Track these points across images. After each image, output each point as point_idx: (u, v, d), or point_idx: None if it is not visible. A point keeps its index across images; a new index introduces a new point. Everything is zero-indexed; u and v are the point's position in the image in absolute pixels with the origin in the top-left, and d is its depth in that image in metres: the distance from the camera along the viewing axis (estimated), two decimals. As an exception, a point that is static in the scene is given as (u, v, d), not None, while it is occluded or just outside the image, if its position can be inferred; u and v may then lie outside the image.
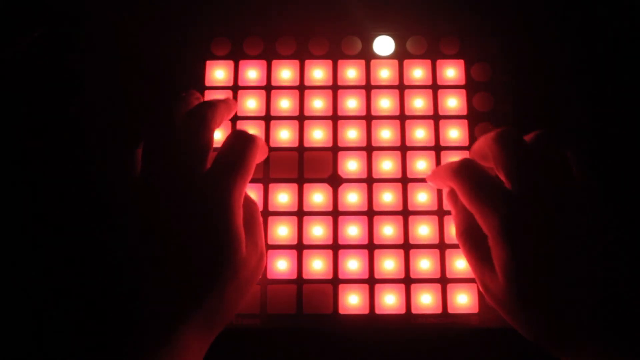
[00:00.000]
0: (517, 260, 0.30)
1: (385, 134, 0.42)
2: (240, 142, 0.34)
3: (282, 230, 0.40)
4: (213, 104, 0.36)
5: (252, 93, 0.43)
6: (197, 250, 0.30)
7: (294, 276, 0.39)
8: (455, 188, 0.35)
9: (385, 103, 0.42)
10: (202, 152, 0.33)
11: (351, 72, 0.43)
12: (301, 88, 0.43)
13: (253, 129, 0.42)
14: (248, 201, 0.36)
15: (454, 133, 0.42)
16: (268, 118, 0.42)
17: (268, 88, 0.43)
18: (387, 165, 0.41)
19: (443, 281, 0.39)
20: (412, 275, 0.39)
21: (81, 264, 0.37)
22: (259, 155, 0.37)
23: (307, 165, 0.41)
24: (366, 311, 0.38)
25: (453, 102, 0.42)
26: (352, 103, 0.42)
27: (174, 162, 0.32)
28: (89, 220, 0.38)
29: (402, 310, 0.39)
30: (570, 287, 0.29)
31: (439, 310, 0.39)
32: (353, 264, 0.39)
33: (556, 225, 0.30)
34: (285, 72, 0.43)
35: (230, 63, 0.43)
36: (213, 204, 0.31)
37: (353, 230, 0.40)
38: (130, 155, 0.33)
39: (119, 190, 0.33)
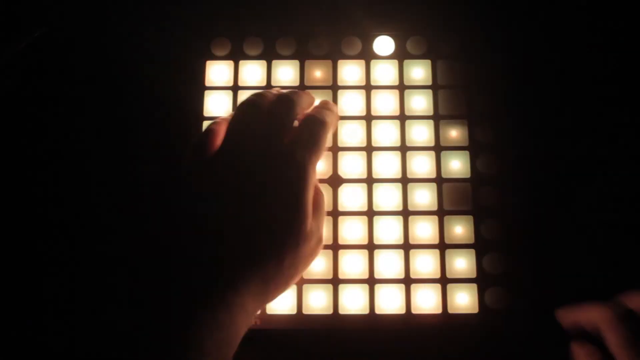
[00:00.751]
0: None
1: (385, 134, 0.42)
2: (315, 123, 0.36)
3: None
4: (298, 92, 0.39)
5: (252, 93, 0.43)
6: (268, 215, 0.32)
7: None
8: (608, 336, 0.32)
9: (385, 103, 0.42)
10: (285, 129, 0.35)
11: (351, 73, 0.43)
12: (301, 88, 0.43)
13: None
14: (317, 189, 0.37)
15: (454, 133, 0.42)
16: (268, 118, 0.42)
17: (268, 88, 0.43)
18: (387, 165, 0.41)
19: (443, 281, 0.39)
20: (412, 275, 0.39)
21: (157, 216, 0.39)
22: (334, 127, 0.40)
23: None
24: (366, 311, 0.38)
25: (453, 103, 0.42)
26: (352, 103, 0.42)
27: (259, 132, 0.34)
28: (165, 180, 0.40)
29: (402, 310, 0.39)
30: None
31: (439, 310, 0.39)
32: (353, 264, 0.39)
33: None
34: (285, 73, 0.43)
35: (230, 63, 0.43)
36: (291, 172, 0.33)
37: (353, 231, 0.40)
38: (215, 127, 0.36)
39: (198, 156, 0.35)
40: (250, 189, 0.33)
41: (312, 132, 0.36)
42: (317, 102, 0.41)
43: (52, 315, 0.38)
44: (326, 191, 0.40)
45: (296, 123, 0.37)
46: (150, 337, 0.28)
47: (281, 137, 0.35)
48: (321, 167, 0.41)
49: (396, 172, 0.41)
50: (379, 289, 0.39)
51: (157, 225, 0.38)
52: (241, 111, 0.36)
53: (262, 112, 0.35)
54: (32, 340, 0.37)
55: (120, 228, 0.40)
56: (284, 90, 0.39)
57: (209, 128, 0.36)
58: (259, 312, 0.33)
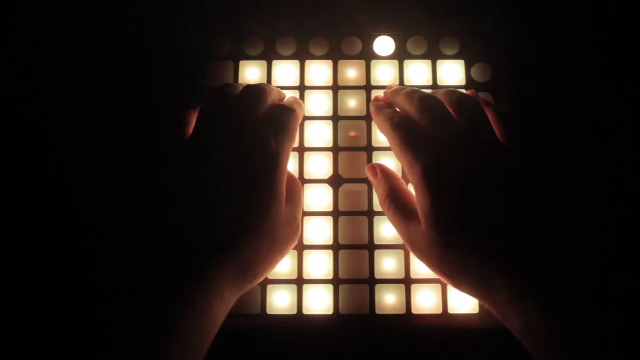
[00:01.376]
0: (435, 203, 0.32)
1: (386, 134, 0.42)
2: (286, 111, 0.37)
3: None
4: (268, 84, 0.39)
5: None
6: (241, 203, 0.32)
7: (294, 277, 0.39)
8: (388, 138, 0.37)
9: (385, 103, 0.42)
10: (255, 116, 0.35)
11: (351, 72, 0.43)
12: (301, 88, 0.43)
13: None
14: (291, 176, 0.38)
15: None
16: (268, 118, 0.42)
17: (268, 88, 0.43)
18: (387, 165, 0.41)
19: (443, 281, 0.39)
20: (412, 275, 0.39)
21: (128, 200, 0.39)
22: (300, 118, 0.40)
23: (308, 166, 0.41)
24: (366, 311, 0.38)
25: (453, 103, 0.42)
26: (352, 103, 0.42)
27: (229, 120, 0.34)
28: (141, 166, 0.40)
29: (402, 310, 0.39)
30: (483, 225, 0.31)
31: (439, 310, 0.39)
32: (353, 264, 0.39)
33: (472, 170, 0.33)
34: (286, 73, 0.43)
35: (230, 63, 0.43)
36: (263, 159, 0.33)
37: (353, 231, 0.40)
38: (184, 116, 0.36)
39: (173, 142, 0.35)
40: (222, 177, 0.32)
41: (283, 119, 0.36)
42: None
43: (32, 309, 0.38)
44: (327, 191, 0.41)
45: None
46: (130, 326, 0.28)
47: (252, 124, 0.35)
48: (322, 166, 0.41)
49: (396, 172, 0.41)
50: (379, 289, 0.39)
51: (132, 216, 0.38)
52: (211, 100, 0.36)
53: (232, 101, 0.36)
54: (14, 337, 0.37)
55: (105, 222, 0.39)
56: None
57: (178, 117, 0.36)
58: (236, 299, 0.33)
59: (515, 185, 0.33)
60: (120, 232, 0.38)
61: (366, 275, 0.39)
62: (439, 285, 0.39)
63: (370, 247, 0.40)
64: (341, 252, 0.39)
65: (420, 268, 0.39)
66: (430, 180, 0.33)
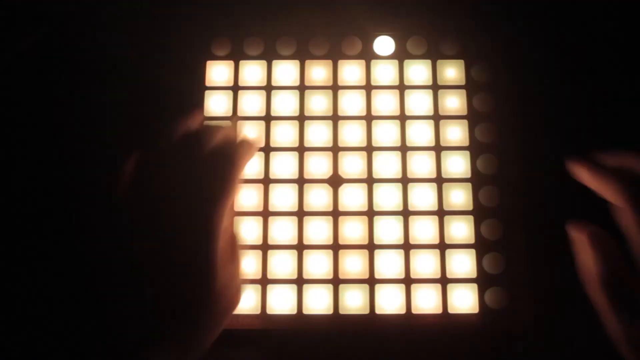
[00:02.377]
0: None
1: (386, 134, 0.42)
2: (220, 162, 0.32)
3: (283, 231, 0.40)
4: (210, 127, 0.34)
5: (252, 93, 0.43)
6: (171, 282, 0.29)
7: (294, 276, 0.39)
8: (627, 207, 0.31)
9: (385, 103, 0.42)
10: (185, 177, 0.31)
11: (351, 73, 0.43)
12: (301, 88, 0.43)
13: (253, 130, 0.42)
14: (228, 232, 0.34)
15: (454, 133, 0.42)
16: (268, 118, 0.42)
17: (268, 88, 0.43)
18: (387, 165, 0.41)
19: (443, 281, 0.39)
20: (412, 275, 0.39)
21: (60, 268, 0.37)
22: (248, 159, 0.36)
23: (308, 166, 0.41)
24: (366, 311, 0.38)
25: (453, 103, 0.42)
26: (352, 103, 0.42)
27: (156, 188, 0.31)
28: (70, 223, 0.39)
29: (402, 310, 0.39)
30: None
31: (439, 311, 0.39)
32: (353, 264, 0.39)
33: None
34: (286, 73, 0.43)
35: (231, 63, 0.43)
36: (194, 234, 0.30)
37: (353, 231, 0.40)
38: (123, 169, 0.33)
39: (103, 199, 0.32)
40: (146, 258, 0.30)
41: (217, 174, 0.32)
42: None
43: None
44: (326, 191, 0.41)
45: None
46: None
47: (182, 188, 0.31)
48: (322, 166, 0.41)
49: (396, 172, 0.41)
50: (379, 289, 0.39)
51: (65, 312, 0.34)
52: (137, 175, 0.32)
53: (160, 165, 0.32)
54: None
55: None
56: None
57: (108, 179, 0.32)
58: None
59: None
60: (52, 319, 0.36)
61: (366, 275, 0.39)
62: (439, 285, 0.39)
63: (370, 247, 0.40)
64: (341, 252, 0.39)
65: (420, 268, 0.39)
66: None
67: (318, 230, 0.40)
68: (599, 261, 0.32)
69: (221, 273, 0.31)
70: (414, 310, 0.39)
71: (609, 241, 0.32)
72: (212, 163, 0.32)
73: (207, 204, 0.31)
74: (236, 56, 0.44)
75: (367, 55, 0.44)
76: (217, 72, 0.43)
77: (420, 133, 0.42)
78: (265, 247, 0.40)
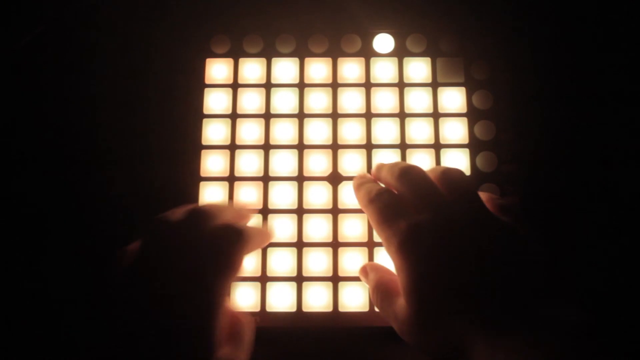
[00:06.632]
0: (412, 274, 0.30)
1: (385, 131, 0.42)
2: (227, 237, 0.32)
3: (282, 228, 0.40)
4: (218, 206, 0.35)
5: (251, 91, 0.43)
6: (170, 347, 0.29)
7: (294, 274, 0.39)
8: (367, 215, 0.35)
9: (385, 101, 0.42)
10: (191, 251, 0.31)
11: (351, 70, 0.43)
12: (301, 86, 0.43)
13: (253, 127, 0.42)
14: (233, 316, 0.34)
15: (454, 131, 0.42)
16: (268, 116, 0.42)
17: (268, 86, 0.43)
18: (387, 159, 0.41)
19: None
20: (412, 273, 0.39)
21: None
22: (257, 244, 0.36)
23: (307, 163, 0.41)
24: (366, 309, 0.38)
25: (452, 100, 0.42)
26: (351, 101, 0.42)
27: (162, 262, 0.31)
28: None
29: (402, 308, 0.39)
30: (458, 293, 0.29)
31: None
32: (353, 262, 0.39)
33: (449, 237, 0.31)
34: (285, 70, 0.43)
35: (230, 61, 0.43)
36: (196, 300, 0.30)
37: (353, 228, 0.40)
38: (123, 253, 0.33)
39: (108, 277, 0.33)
40: (144, 332, 0.29)
41: (222, 249, 0.32)
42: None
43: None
44: (326, 188, 0.41)
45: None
46: None
47: (185, 263, 0.31)
48: (322, 164, 0.41)
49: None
50: (379, 286, 0.39)
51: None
52: (146, 240, 0.32)
53: (170, 234, 0.32)
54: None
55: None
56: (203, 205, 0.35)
57: (118, 254, 0.33)
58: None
59: (496, 253, 0.30)
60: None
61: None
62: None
63: (370, 244, 0.40)
64: (340, 250, 0.39)
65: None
66: (408, 251, 0.31)
67: (317, 227, 0.40)
68: (368, 282, 0.36)
69: (219, 347, 0.30)
70: (414, 308, 0.39)
71: (371, 265, 0.37)
72: (221, 237, 0.32)
73: (210, 276, 0.31)
74: (235, 54, 0.44)
75: (367, 53, 0.44)
76: (217, 69, 0.43)
77: (420, 130, 0.42)
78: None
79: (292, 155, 0.41)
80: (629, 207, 0.41)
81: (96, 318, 0.31)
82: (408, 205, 0.33)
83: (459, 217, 0.31)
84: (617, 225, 0.40)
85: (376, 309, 0.35)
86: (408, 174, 0.34)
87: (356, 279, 0.39)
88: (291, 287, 0.39)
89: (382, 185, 0.36)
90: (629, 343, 0.27)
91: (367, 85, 0.43)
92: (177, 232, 0.32)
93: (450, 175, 0.34)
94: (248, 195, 0.41)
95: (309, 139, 0.42)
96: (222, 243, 0.32)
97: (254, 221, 0.40)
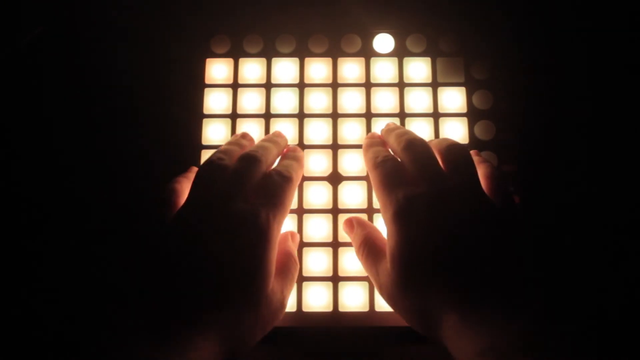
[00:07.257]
0: (402, 242, 0.32)
1: (385, 131, 0.42)
2: (279, 181, 0.35)
3: (282, 228, 0.40)
4: (265, 146, 0.38)
5: (251, 91, 0.43)
6: (226, 275, 0.31)
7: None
8: (370, 178, 0.37)
9: (385, 101, 0.42)
10: (247, 188, 0.34)
11: (351, 70, 0.43)
12: (301, 86, 0.43)
13: (253, 127, 0.42)
14: (287, 252, 0.37)
15: (454, 131, 0.42)
16: (268, 116, 0.42)
17: (268, 86, 0.43)
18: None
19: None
20: (412, 273, 0.39)
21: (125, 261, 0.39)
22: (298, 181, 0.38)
23: (307, 163, 0.41)
24: (366, 308, 0.38)
25: (453, 100, 0.42)
26: (352, 101, 0.42)
27: (220, 193, 0.34)
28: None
29: (402, 308, 0.39)
30: (439, 266, 0.31)
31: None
32: (353, 262, 0.39)
33: (444, 212, 0.32)
34: (285, 70, 0.43)
35: (230, 61, 0.43)
36: (251, 233, 0.32)
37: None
38: (175, 186, 0.36)
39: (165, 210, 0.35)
40: (210, 248, 0.32)
41: (276, 190, 0.35)
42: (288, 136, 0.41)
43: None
44: (326, 188, 0.41)
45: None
46: None
47: (244, 196, 0.34)
48: (322, 164, 0.41)
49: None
50: (379, 286, 0.39)
51: (117, 284, 0.38)
52: (204, 170, 0.35)
53: (226, 172, 0.35)
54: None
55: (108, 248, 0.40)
56: (252, 147, 0.38)
57: (170, 187, 0.36)
58: None
59: (480, 232, 0.32)
60: (105, 296, 0.39)
61: (366, 273, 0.39)
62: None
63: (370, 244, 0.40)
64: (341, 250, 0.39)
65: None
66: (401, 220, 0.32)
67: (318, 227, 0.40)
68: (354, 236, 0.38)
69: (270, 279, 0.33)
70: (414, 308, 0.39)
71: (358, 220, 0.39)
72: (273, 177, 0.35)
73: (264, 214, 0.33)
74: (236, 54, 0.44)
75: (367, 53, 0.44)
76: (217, 69, 0.43)
77: (420, 131, 0.42)
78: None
79: (292, 155, 0.41)
80: (630, 207, 0.41)
81: (148, 260, 0.33)
82: (408, 176, 0.35)
83: (450, 193, 0.33)
84: (617, 225, 0.40)
85: (362, 267, 0.37)
86: (413, 147, 0.36)
87: (356, 278, 0.39)
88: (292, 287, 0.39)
89: (389, 151, 0.38)
90: (594, 329, 0.28)
91: (367, 85, 0.43)
92: (228, 177, 0.34)
93: (453, 151, 0.36)
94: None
95: (309, 139, 0.42)
96: (273, 187, 0.35)
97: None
